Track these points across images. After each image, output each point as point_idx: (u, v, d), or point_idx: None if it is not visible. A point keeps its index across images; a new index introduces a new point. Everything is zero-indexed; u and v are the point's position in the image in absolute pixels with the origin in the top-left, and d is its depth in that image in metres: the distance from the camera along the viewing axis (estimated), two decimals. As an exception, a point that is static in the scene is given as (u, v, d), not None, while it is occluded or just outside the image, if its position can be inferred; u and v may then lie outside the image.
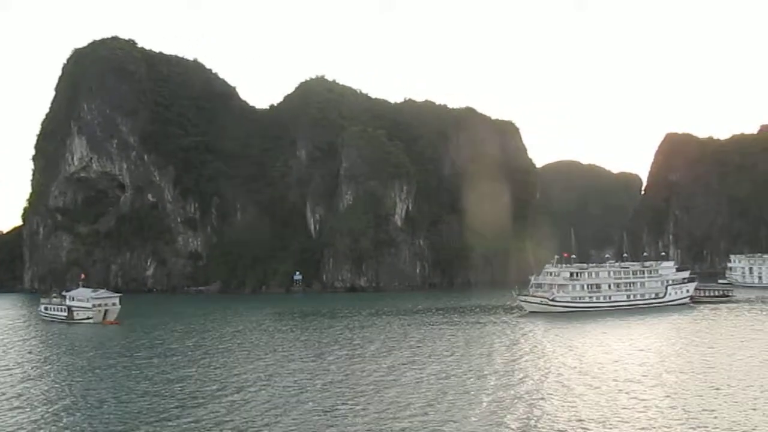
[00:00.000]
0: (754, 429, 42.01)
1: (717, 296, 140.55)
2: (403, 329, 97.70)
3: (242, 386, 57.88)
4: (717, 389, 53.02)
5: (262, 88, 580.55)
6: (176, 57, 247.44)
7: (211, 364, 70.66)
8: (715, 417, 45.00)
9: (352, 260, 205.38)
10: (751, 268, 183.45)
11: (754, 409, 46.53)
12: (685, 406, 48.34)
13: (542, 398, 51.77)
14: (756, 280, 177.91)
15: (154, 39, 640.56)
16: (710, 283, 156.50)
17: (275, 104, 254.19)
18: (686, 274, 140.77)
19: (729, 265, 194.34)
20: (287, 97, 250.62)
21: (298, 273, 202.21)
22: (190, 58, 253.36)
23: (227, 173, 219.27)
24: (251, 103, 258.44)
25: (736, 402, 48.80)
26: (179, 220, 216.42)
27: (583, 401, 50.52)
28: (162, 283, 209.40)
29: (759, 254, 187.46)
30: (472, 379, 58.92)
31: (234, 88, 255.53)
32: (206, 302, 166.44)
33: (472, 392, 53.81)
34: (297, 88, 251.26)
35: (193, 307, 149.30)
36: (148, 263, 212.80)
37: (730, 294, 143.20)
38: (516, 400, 51.01)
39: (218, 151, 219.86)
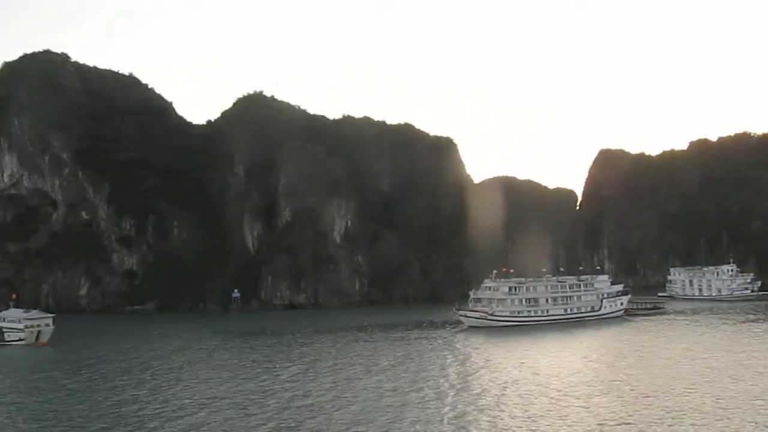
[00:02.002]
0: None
1: (649, 309, 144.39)
2: (348, 347, 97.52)
3: (192, 409, 56.36)
4: (647, 396, 54.35)
5: (198, 104, 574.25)
6: (111, 71, 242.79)
7: (154, 386, 68.67)
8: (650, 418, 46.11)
9: (290, 277, 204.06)
10: (691, 281, 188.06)
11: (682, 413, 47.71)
12: (621, 412, 49.37)
13: (484, 410, 52.37)
14: (696, 293, 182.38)
15: (88, 53, 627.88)
16: (643, 296, 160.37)
17: (212, 120, 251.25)
18: (620, 287, 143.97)
19: (669, 278, 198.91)
20: (225, 113, 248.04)
21: (236, 291, 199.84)
22: (126, 72, 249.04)
23: (163, 190, 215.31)
24: (188, 119, 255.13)
25: (668, 408, 49.91)
26: (114, 237, 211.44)
27: (521, 412, 51.24)
28: (96, 303, 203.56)
29: (698, 267, 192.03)
30: (416, 394, 59.06)
31: (171, 104, 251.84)
32: (143, 322, 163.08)
33: (423, 407, 54.05)
34: (234, 104, 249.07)
35: (129, 327, 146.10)
36: (82, 282, 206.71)
37: (661, 307, 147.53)
38: (457, 412, 51.29)
39: (154, 167, 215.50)
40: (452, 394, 58.87)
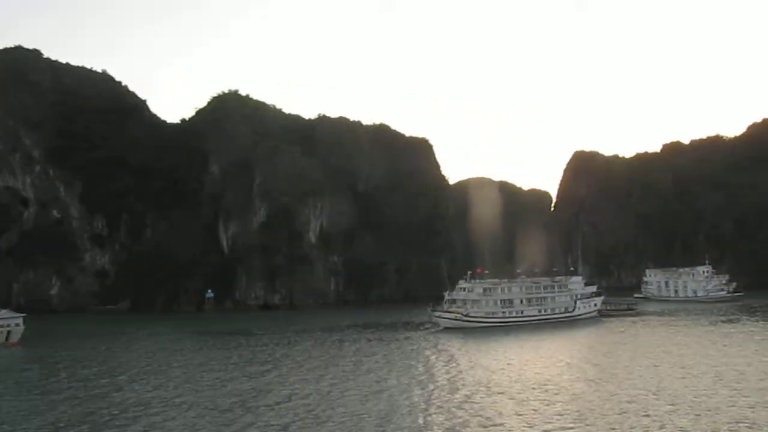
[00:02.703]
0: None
1: (622, 310, 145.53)
2: (325, 348, 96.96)
3: (172, 412, 54.89)
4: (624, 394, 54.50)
5: (172, 102, 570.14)
6: (84, 68, 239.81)
7: (131, 388, 67.12)
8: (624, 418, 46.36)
9: (265, 277, 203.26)
10: (666, 282, 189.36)
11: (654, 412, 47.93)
12: (600, 410, 49.60)
13: (466, 410, 52.37)
14: (672, 294, 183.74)
15: (61, 49, 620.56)
16: (617, 298, 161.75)
17: (187, 118, 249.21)
18: (594, 288, 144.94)
19: (645, 279, 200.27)
20: (199, 112, 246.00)
21: (210, 291, 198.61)
22: (99, 69, 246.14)
23: (137, 189, 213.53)
24: (162, 117, 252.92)
25: (645, 410, 50.14)
26: (86, 236, 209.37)
27: (496, 412, 51.12)
28: (68, 303, 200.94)
29: (674, 268, 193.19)
30: (399, 396, 58.61)
31: (144, 101, 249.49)
32: (115, 322, 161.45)
33: (406, 409, 53.52)
34: (209, 103, 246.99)
35: (102, 327, 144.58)
36: (53, 282, 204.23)
37: (634, 308, 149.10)
38: (435, 411, 51.19)
39: (128, 165, 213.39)
40: (432, 395, 58.65)
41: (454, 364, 77.08)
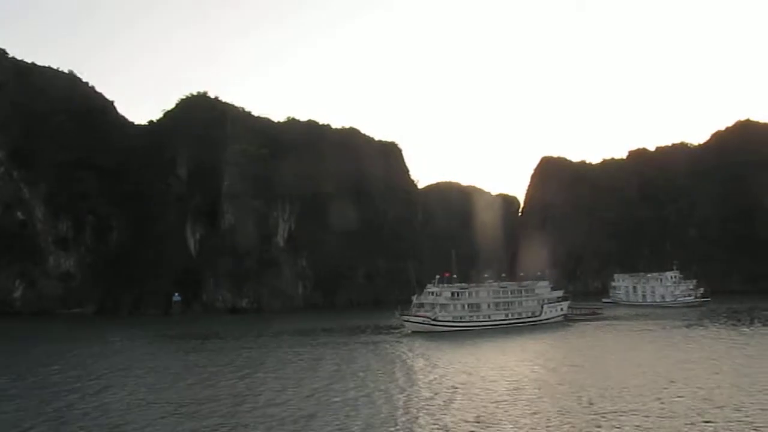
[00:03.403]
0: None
1: (588, 314, 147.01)
2: (294, 351, 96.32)
3: (140, 419, 53.74)
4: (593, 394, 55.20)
5: (140, 103, 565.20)
6: (50, 68, 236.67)
7: (97, 391, 65.79)
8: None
9: (233, 281, 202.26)
10: (634, 287, 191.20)
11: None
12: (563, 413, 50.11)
13: (434, 413, 52.59)
14: (640, 299, 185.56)
15: (26, 49, 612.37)
16: (583, 302, 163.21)
17: (154, 120, 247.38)
18: (561, 293, 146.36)
19: (613, 284, 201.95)
20: (167, 113, 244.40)
21: (176, 294, 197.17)
22: (65, 70, 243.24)
23: (103, 191, 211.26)
24: (129, 119, 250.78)
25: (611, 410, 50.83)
26: (50, 239, 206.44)
27: (468, 415, 51.55)
28: (32, 305, 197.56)
29: (642, 273, 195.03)
30: (366, 399, 58.45)
31: (111, 102, 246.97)
32: (80, 325, 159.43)
33: (376, 411, 53.34)
34: (177, 104, 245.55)
35: (66, 330, 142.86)
36: (16, 284, 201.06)
37: (599, 312, 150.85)
38: (410, 416, 51.41)
39: (94, 167, 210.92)
40: (402, 399, 58.65)
41: (423, 368, 77.36)
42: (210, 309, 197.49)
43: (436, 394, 60.41)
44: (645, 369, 71.07)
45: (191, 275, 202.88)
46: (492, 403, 55.72)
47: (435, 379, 68.90)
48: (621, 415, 49.74)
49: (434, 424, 48.94)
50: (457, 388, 63.18)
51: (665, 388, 59.74)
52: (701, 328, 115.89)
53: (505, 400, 56.54)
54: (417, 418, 51.19)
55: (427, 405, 55.59)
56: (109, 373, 77.68)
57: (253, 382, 69.59)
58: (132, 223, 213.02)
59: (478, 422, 49.32)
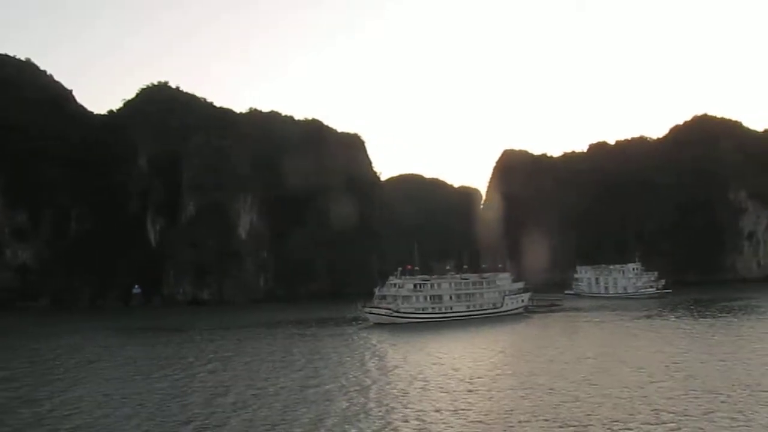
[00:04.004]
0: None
1: (548, 306, 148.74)
2: (258, 344, 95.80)
3: (102, 411, 52.94)
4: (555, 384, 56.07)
5: (100, 93, 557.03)
6: (6, 56, 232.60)
7: (56, 386, 64.21)
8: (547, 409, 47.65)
9: (194, 273, 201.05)
10: (597, 279, 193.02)
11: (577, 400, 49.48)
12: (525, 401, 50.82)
13: (401, 404, 52.69)
14: (602, 290, 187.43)
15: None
16: (545, 294, 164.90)
17: (114, 110, 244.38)
18: (521, 285, 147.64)
19: (575, 276, 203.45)
20: (128, 103, 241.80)
21: (137, 286, 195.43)
22: (22, 57, 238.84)
23: (62, 181, 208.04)
24: (89, 108, 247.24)
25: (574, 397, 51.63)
26: (7, 231, 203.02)
27: (430, 405, 51.77)
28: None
29: (605, 265, 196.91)
30: (337, 392, 58.17)
31: (70, 92, 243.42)
32: (37, 318, 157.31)
33: (342, 403, 53.30)
34: (138, 94, 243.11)
35: (23, 324, 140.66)
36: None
37: (559, 304, 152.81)
38: (378, 408, 51.41)
39: (52, 157, 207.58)
40: (367, 390, 58.53)
41: (386, 360, 77.61)
42: (171, 301, 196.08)
43: (404, 385, 60.42)
44: (591, 357, 73.53)
45: (152, 267, 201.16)
46: (454, 393, 56.14)
47: (401, 370, 69.01)
48: (577, 400, 50.93)
49: (406, 415, 49.08)
50: (422, 379, 63.40)
51: (595, 373, 61.99)
52: (658, 319, 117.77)
53: (469, 391, 56.96)
54: (392, 408, 51.10)
55: (398, 396, 55.62)
56: (73, 368, 76.58)
57: (222, 376, 68.94)
58: (91, 214, 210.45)
59: (440, 413, 49.62)
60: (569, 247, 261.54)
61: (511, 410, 49.40)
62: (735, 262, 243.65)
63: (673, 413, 46.21)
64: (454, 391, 57.12)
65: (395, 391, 58.10)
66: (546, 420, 46.16)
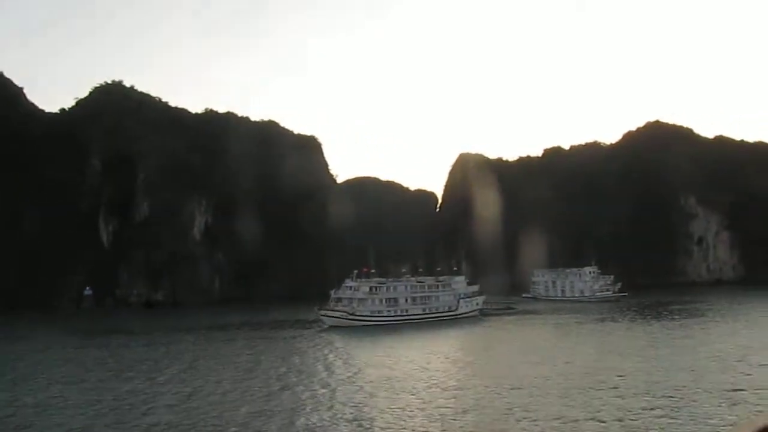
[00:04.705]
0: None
1: (502, 309, 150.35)
2: (214, 346, 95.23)
3: (63, 416, 51.78)
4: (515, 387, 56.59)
5: (51, 91, 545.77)
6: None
7: (10, 394, 62.44)
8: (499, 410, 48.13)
9: (147, 274, 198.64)
10: (554, 282, 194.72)
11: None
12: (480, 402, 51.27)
13: (343, 405, 52.76)
14: (559, 293, 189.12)
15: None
16: (501, 298, 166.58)
17: (67, 109, 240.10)
18: (476, 288, 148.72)
19: (533, 279, 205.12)
20: (80, 102, 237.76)
21: (88, 288, 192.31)
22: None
23: (11, 181, 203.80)
24: (40, 107, 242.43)
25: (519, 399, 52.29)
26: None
27: (382, 408, 51.88)
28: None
29: (561, 269, 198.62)
30: (289, 392, 58.29)
31: (21, 89, 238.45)
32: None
33: (300, 407, 52.94)
34: (91, 93, 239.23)
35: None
36: None
37: (513, 307, 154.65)
38: (315, 411, 51.32)
39: (2, 156, 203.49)
40: (324, 392, 58.64)
41: (344, 363, 77.54)
42: (124, 303, 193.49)
43: (359, 386, 60.73)
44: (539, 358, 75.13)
45: (104, 268, 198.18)
46: (412, 394, 56.44)
47: (357, 373, 69.16)
48: (529, 397, 51.84)
49: (359, 417, 49.19)
50: (376, 380, 63.68)
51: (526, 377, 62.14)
52: (612, 321, 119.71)
53: (426, 392, 57.36)
54: (343, 411, 51.20)
55: (352, 398, 55.72)
56: (21, 370, 75.23)
57: (172, 378, 68.19)
58: (42, 214, 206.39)
59: (400, 412, 49.86)
60: (525, 251, 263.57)
61: (467, 409, 50.02)
62: (686, 266, 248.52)
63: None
64: (411, 392, 57.44)
65: (351, 392, 58.16)
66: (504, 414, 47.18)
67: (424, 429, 45.27)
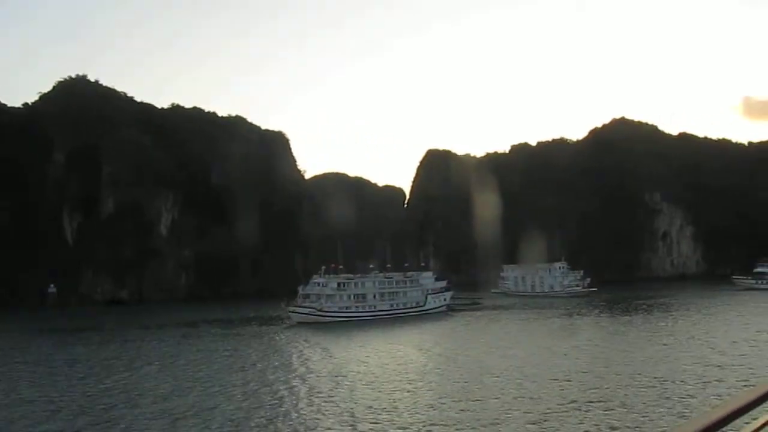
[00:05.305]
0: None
1: (469, 304, 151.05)
2: (182, 345, 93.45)
3: (37, 418, 50.29)
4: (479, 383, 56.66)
5: (13, 85, 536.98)
6: None
7: None
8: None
9: (113, 271, 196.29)
10: (524, 277, 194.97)
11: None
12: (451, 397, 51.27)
13: (318, 403, 52.40)
14: (529, 289, 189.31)
15: None
16: (469, 293, 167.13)
17: (30, 103, 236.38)
18: (444, 284, 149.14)
19: (502, 274, 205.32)
20: (44, 96, 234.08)
21: (51, 285, 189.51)
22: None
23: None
24: (2, 101, 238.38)
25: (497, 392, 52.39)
26: None
27: (355, 403, 51.67)
28: None
29: (531, 264, 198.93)
30: (267, 390, 57.64)
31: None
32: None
33: (268, 404, 52.29)
34: (55, 87, 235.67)
35: None
36: None
37: (479, 302, 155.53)
38: (290, 408, 50.96)
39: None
40: (292, 389, 58.15)
41: (309, 359, 77.29)
42: (88, 300, 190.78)
43: (327, 383, 60.37)
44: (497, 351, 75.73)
45: (68, 265, 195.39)
46: (380, 389, 56.33)
47: (324, 369, 68.88)
48: (497, 387, 51.68)
49: (331, 412, 48.86)
50: (345, 376, 63.50)
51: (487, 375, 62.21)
52: (579, 316, 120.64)
53: (394, 387, 57.17)
54: (318, 407, 50.74)
55: (322, 394, 55.26)
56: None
57: (143, 377, 67.15)
58: (4, 210, 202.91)
59: (363, 409, 49.60)
60: (494, 247, 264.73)
61: (433, 404, 49.99)
62: (650, 262, 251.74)
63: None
64: (380, 387, 57.30)
65: (318, 389, 57.78)
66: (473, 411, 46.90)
67: (392, 425, 45.14)
